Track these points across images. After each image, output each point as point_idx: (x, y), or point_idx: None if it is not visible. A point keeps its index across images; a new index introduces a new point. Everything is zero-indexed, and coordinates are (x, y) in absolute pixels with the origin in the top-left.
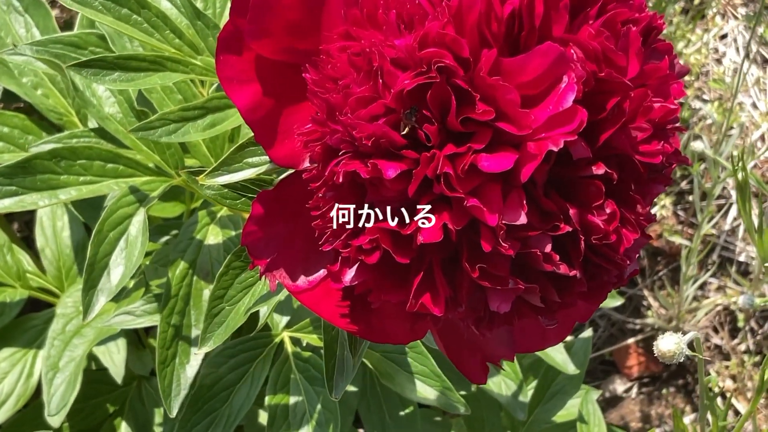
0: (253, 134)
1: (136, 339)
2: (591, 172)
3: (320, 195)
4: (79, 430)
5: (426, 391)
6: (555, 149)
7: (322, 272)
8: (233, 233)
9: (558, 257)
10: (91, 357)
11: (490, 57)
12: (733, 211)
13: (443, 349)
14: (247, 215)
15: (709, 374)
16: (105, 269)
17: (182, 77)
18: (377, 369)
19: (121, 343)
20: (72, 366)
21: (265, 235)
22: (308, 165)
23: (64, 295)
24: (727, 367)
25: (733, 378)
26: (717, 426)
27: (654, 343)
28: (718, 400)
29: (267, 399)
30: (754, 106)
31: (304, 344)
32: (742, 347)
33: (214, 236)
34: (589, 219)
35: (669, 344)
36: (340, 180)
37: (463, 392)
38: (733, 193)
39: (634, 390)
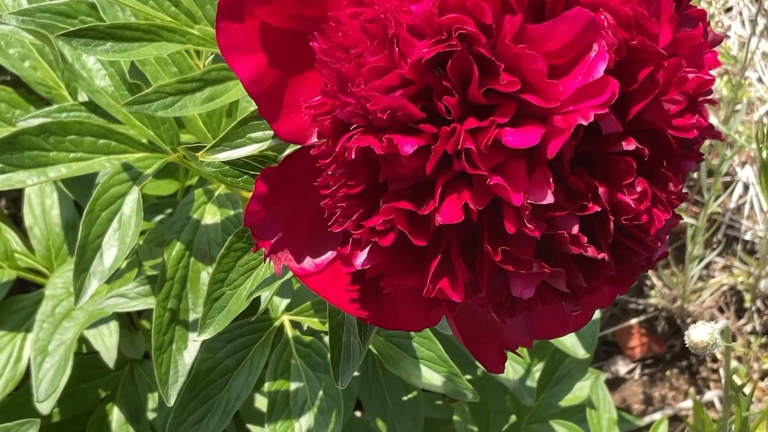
0: (255, 108)
1: (129, 321)
2: (621, 148)
3: (330, 172)
4: (70, 415)
5: (432, 377)
6: (584, 123)
7: (330, 254)
8: (231, 213)
9: (585, 239)
10: (82, 340)
11: (515, 23)
12: (739, 189)
13: (459, 336)
14: (248, 194)
15: (716, 359)
16: (97, 251)
17: (178, 47)
18: (381, 354)
19: (114, 326)
20: (62, 350)
21: (269, 214)
22: (316, 140)
23: (54, 276)
24: (732, 349)
25: (739, 359)
26: (740, 416)
27: (685, 333)
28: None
29: (266, 385)
30: (760, 80)
31: (305, 328)
32: (748, 328)
33: (211, 216)
34: (619, 198)
35: (702, 334)
36: (352, 156)
37: (468, 376)
38: (739, 170)
39: (637, 371)
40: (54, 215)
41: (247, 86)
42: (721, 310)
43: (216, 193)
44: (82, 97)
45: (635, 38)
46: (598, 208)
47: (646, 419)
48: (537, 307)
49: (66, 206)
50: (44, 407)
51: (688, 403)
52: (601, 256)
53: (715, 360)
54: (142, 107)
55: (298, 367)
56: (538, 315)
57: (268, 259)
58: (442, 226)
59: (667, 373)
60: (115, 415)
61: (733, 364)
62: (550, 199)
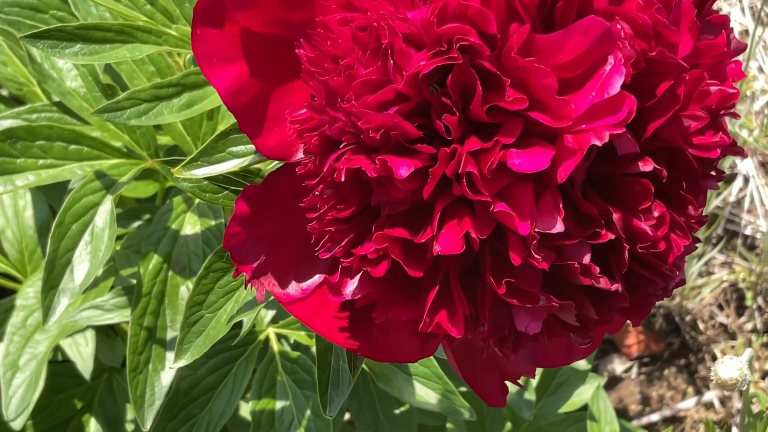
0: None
1: (107, 326)
2: (637, 169)
3: (317, 193)
4: (44, 428)
5: (426, 395)
6: (598, 144)
7: (318, 278)
8: (213, 223)
9: (598, 269)
10: (57, 348)
11: (522, 34)
12: (739, 182)
13: (458, 369)
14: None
15: (715, 358)
16: (67, 266)
17: (154, 49)
18: (372, 370)
19: (90, 335)
20: (33, 365)
21: (251, 236)
22: (302, 157)
23: (25, 285)
24: (733, 347)
25: None
26: None
27: (712, 369)
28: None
29: (251, 404)
30: (761, 69)
31: (292, 341)
32: (749, 326)
33: (191, 225)
34: (634, 224)
35: (731, 371)
36: (342, 178)
37: (463, 388)
38: (739, 163)
39: (634, 370)
40: (27, 217)
41: (226, 99)
42: (720, 308)
43: (196, 201)
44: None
45: (654, 49)
46: (612, 236)
47: (644, 420)
48: (543, 340)
49: (40, 207)
50: (16, 424)
51: (687, 404)
52: (614, 287)
53: (714, 359)
54: (114, 115)
55: (284, 384)
56: (543, 343)
57: (249, 284)
58: (441, 255)
59: (665, 372)
60: (92, 426)
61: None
62: (560, 227)
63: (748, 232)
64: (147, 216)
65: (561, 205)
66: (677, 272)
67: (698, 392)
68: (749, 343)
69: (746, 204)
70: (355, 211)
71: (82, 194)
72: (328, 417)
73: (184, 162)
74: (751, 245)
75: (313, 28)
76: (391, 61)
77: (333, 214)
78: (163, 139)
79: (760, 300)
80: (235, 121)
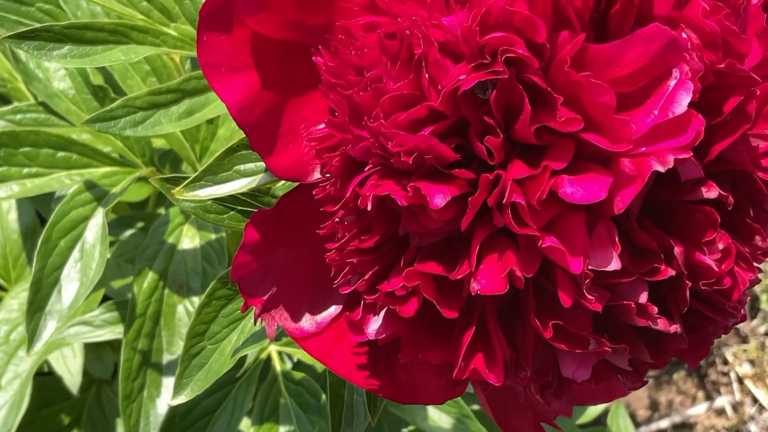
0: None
1: None
2: (700, 196)
3: (337, 220)
4: None
5: (440, 419)
6: (661, 169)
7: (334, 309)
8: (213, 236)
9: (656, 309)
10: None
11: (576, 44)
12: None
13: (490, 412)
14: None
15: (727, 362)
16: (55, 286)
17: (151, 51)
18: None
19: (78, 346)
20: (17, 384)
21: (262, 265)
22: (319, 177)
23: (8, 296)
24: (745, 350)
25: (752, 362)
26: None
27: None
28: (735, 385)
29: (252, 429)
30: None
31: (295, 360)
32: (762, 329)
33: (189, 239)
34: (697, 258)
35: None
36: (368, 206)
37: (475, 406)
38: None
39: None
40: (11, 220)
41: (236, 114)
42: None
43: None
44: None
45: (722, 60)
46: (672, 272)
47: (653, 426)
48: (590, 386)
49: (25, 210)
50: None
51: (697, 409)
52: (673, 329)
53: (725, 362)
54: (107, 125)
55: (288, 407)
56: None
57: (259, 319)
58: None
59: (674, 376)
60: None
61: (745, 366)
62: (616, 264)
63: None
64: (141, 224)
65: (617, 239)
66: (741, 310)
67: (709, 397)
68: (762, 347)
69: None
70: (380, 240)
71: (70, 207)
72: None
73: (187, 182)
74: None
75: (332, 33)
76: (426, 75)
77: (355, 244)
78: (158, 142)
79: None
80: (238, 127)
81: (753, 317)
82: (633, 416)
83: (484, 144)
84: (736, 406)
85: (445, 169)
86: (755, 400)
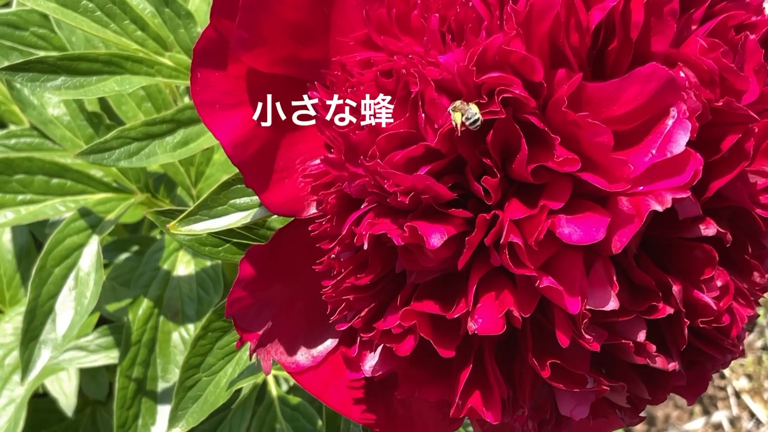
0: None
1: None
2: (698, 233)
3: (333, 256)
4: None
5: None
6: (659, 209)
7: (330, 343)
8: (208, 262)
9: (654, 347)
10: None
11: (573, 84)
12: None
13: None
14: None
15: (724, 376)
16: (49, 315)
17: (146, 81)
18: None
19: (73, 370)
20: (11, 410)
21: (257, 300)
22: (315, 212)
23: (3, 320)
24: (742, 365)
25: (749, 377)
26: None
27: None
28: (732, 400)
29: None
30: None
31: (291, 384)
32: (759, 343)
33: (184, 265)
34: (695, 296)
35: None
36: (364, 244)
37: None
38: None
39: None
40: (5, 241)
41: (231, 151)
42: None
43: None
44: None
45: (720, 98)
46: (670, 310)
47: None
48: (587, 423)
49: (19, 231)
50: None
51: (694, 424)
52: (671, 366)
53: (722, 377)
54: (102, 157)
55: None
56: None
57: (254, 354)
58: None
59: None
60: None
61: (742, 381)
62: (614, 304)
63: None
64: (135, 248)
65: (615, 278)
66: (740, 346)
67: (706, 412)
68: (759, 361)
69: None
70: (376, 278)
71: (65, 234)
72: None
73: (182, 216)
74: None
75: (328, 67)
76: (422, 113)
77: (351, 281)
78: (153, 166)
79: None
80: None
81: (750, 331)
82: (629, 431)
83: (481, 184)
84: (734, 421)
85: (442, 208)
86: (752, 415)
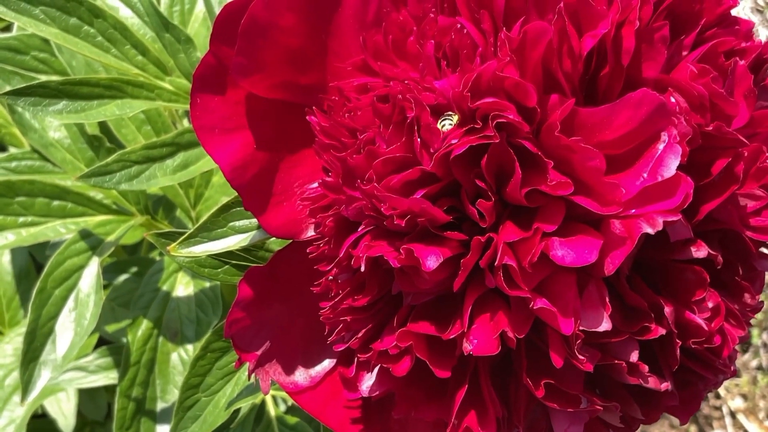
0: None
1: None
2: (689, 255)
3: (330, 278)
4: None
5: None
6: (651, 232)
7: (327, 363)
8: (207, 283)
9: (647, 368)
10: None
11: (565, 109)
12: None
13: None
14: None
15: (719, 396)
16: (49, 336)
17: (146, 105)
18: None
19: (72, 390)
20: (11, 430)
21: (255, 321)
22: (313, 234)
23: (3, 341)
24: (737, 384)
25: (744, 397)
26: None
27: None
28: (727, 420)
29: None
30: None
31: (289, 404)
32: (754, 363)
33: (183, 286)
34: (687, 317)
35: None
36: (361, 267)
37: None
38: None
39: None
40: (5, 262)
41: (230, 175)
42: None
43: None
44: None
45: (710, 123)
46: (662, 331)
47: None
48: None
49: (19, 252)
50: None
51: None
52: (663, 386)
53: (718, 396)
54: (102, 180)
55: None
56: None
57: (253, 374)
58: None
59: None
60: None
61: (737, 400)
62: (607, 325)
63: None
64: (135, 269)
65: (607, 299)
66: (731, 366)
67: (701, 431)
68: (754, 381)
69: None
70: (373, 299)
71: (65, 256)
72: None
73: (182, 239)
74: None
75: (326, 92)
76: (418, 138)
77: (349, 302)
78: (153, 188)
79: (765, 337)
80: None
81: (745, 351)
82: None
83: (476, 208)
84: None
85: (437, 230)
86: None
